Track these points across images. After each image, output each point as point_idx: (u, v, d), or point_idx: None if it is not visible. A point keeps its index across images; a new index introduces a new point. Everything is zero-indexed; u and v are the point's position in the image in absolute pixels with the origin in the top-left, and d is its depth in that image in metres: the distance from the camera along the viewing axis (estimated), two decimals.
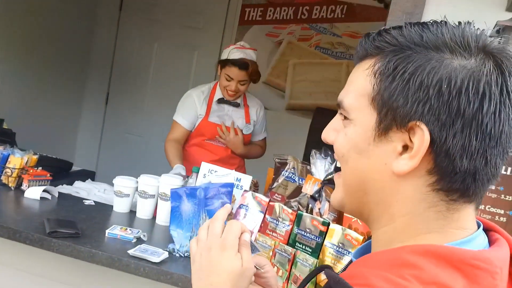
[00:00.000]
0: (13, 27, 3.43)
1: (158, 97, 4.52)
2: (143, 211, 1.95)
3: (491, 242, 0.63)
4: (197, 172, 1.89)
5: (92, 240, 1.62)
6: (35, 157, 2.05)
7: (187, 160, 2.52)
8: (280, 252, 1.49)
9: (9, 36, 3.39)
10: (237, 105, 2.66)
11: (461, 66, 0.57)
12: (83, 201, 2.01)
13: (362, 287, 0.55)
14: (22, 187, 1.96)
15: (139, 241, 1.67)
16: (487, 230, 0.65)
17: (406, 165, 0.58)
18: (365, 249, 0.71)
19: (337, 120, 0.69)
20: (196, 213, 1.62)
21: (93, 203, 2.00)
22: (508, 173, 1.39)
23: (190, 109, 2.59)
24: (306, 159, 3.06)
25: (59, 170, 2.32)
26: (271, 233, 1.56)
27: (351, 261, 0.77)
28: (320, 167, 1.55)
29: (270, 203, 1.59)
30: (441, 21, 0.61)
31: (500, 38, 0.62)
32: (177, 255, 1.61)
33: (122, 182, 1.96)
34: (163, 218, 1.91)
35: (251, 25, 4.33)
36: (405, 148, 0.59)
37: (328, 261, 1.40)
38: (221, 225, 0.84)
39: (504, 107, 0.57)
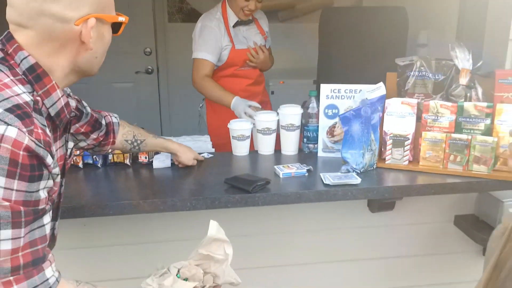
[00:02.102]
0: None
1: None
2: (267, 147, 1.95)
3: None
4: (315, 96, 1.92)
5: (275, 184, 1.63)
6: None
7: None
8: (454, 141, 1.68)
9: None
10: (249, 22, 2.59)
11: None
12: (200, 155, 1.92)
13: None
14: (140, 160, 1.80)
15: (309, 172, 1.72)
16: None
17: None
18: None
19: None
20: (364, 130, 1.70)
21: (211, 155, 1.93)
22: None
23: (215, 41, 2.46)
24: (321, 61, 3.16)
25: None
26: (431, 128, 1.74)
27: None
28: (462, 57, 1.71)
29: (425, 102, 1.74)
30: None
31: None
32: (355, 172, 1.70)
33: (241, 126, 1.90)
34: (291, 148, 1.94)
35: None
36: None
37: (506, 138, 1.63)
38: None
39: None
